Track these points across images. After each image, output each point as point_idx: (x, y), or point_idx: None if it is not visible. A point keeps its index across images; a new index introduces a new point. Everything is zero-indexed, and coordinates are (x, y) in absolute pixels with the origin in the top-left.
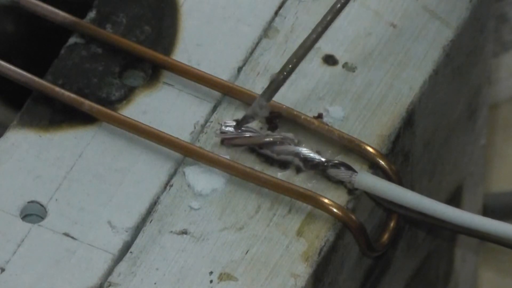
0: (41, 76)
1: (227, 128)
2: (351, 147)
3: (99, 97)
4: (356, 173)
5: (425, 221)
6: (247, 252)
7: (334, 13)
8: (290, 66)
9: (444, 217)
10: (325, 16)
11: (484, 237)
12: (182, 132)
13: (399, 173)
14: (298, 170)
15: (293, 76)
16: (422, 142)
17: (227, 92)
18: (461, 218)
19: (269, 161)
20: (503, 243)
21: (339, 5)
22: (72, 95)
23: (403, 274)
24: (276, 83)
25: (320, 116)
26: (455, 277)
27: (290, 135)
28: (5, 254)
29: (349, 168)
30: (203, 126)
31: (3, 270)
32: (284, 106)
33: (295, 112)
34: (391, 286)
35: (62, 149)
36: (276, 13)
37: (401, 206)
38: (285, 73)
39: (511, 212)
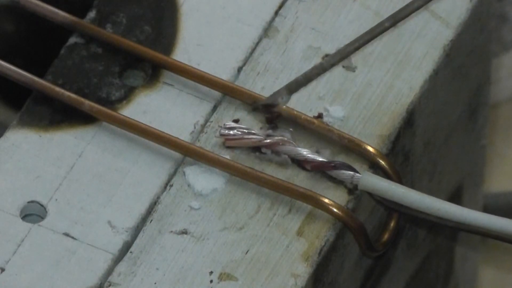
0: (41, 76)
1: (227, 130)
2: (351, 147)
3: (99, 97)
4: (357, 174)
5: (428, 220)
6: (247, 252)
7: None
8: (318, 70)
9: (450, 216)
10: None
11: (487, 233)
12: (182, 132)
13: (399, 173)
14: (298, 170)
15: (293, 75)
16: (422, 142)
17: (227, 92)
18: (469, 217)
19: (269, 161)
20: (505, 239)
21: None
22: (72, 95)
23: (403, 274)
24: (299, 82)
25: (320, 116)
26: (455, 277)
27: (289, 135)
28: (5, 254)
29: (350, 168)
30: (203, 126)
31: (3, 270)
32: (284, 106)
33: (295, 112)
34: (391, 286)
35: (62, 149)
36: (276, 13)
37: (404, 206)
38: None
39: (511, 212)
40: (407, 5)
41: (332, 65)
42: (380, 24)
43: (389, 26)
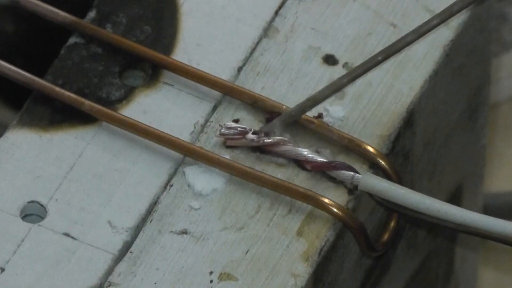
0: (41, 76)
1: (227, 130)
2: (351, 147)
3: (99, 97)
4: (357, 174)
5: (429, 221)
6: (247, 252)
7: (366, 68)
8: (312, 101)
9: (450, 218)
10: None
11: (487, 235)
12: (182, 132)
13: (399, 173)
14: (298, 170)
15: (293, 75)
16: (422, 142)
17: (227, 92)
18: (469, 218)
19: (269, 161)
20: (505, 242)
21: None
22: (72, 95)
23: (403, 274)
24: (293, 114)
25: (320, 116)
26: (455, 277)
27: (288, 135)
28: (5, 254)
29: (350, 169)
30: (203, 126)
31: (3, 270)
32: (284, 106)
33: None
34: (391, 286)
35: (62, 149)
36: (276, 13)
37: (404, 207)
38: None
39: (511, 212)
40: (400, 39)
41: (326, 97)
42: (373, 57)
43: (382, 60)
